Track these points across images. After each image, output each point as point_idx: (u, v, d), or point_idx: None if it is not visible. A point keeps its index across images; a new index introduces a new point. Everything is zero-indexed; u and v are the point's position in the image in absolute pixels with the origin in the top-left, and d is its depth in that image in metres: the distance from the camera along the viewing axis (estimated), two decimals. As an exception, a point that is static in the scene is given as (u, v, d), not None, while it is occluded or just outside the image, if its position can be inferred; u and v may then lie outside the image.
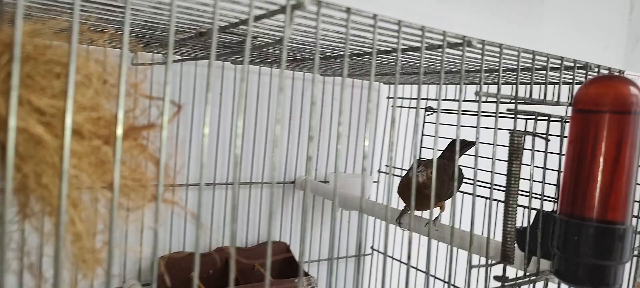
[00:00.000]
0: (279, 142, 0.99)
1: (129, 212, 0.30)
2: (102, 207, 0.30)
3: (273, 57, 0.74)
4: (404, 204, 0.77)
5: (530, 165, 0.49)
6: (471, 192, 0.47)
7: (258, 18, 0.37)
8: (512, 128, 0.49)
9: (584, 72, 0.55)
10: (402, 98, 1.07)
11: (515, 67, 0.58)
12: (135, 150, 0.29)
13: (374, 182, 1.12)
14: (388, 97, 1.11)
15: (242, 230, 0.97)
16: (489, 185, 0.48)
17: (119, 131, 0.26)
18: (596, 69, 0.55)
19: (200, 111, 0.89)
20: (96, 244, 0.30)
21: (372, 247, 1.14)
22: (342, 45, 0.53)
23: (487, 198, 0.81)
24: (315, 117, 0.93)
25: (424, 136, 1.01)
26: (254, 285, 0.84)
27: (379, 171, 1.12)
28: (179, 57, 0.78)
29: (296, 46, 0.61)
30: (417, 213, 0.78)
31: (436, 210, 0.75)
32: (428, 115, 1.00)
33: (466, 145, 0.79)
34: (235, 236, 0.35)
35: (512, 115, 0.49)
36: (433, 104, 1.00)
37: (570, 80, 0.54)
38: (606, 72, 0.56)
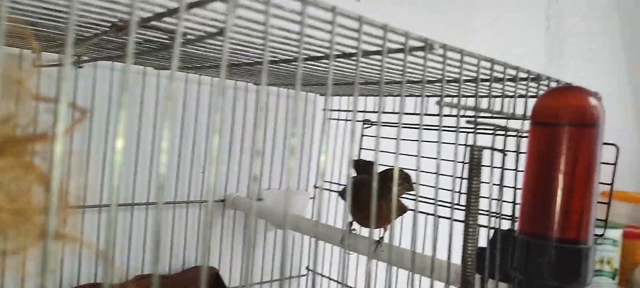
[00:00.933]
0: (215, 156, 0.90)
1: (6, 255, 0.22)
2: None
3: (203, 60, 0.67)
4: (349, 221, 0.72)
5: (488, 182, 0.46)
6: (414, 209, 0.43)
7: (191, 6, 0.30)
8: (469, 142, 0.45)
9: (536, 84, 0.53)
10: (339, 110, 1.03)
11: (467, 77, 0.55)
12: (17, 171, 0.21)
13: (311, 198, 1.06)
14: (324, 109, 1.06)
15: (164, 255, 0.87)
16: (433, 201, 0.44)
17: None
18: (546, 81, 0.54)
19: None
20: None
21: (307, 268, 1.08)
22: (287, 47, 0.47)
23: (430, 215, 0.79)
24: (259, 130, 0.86)
25: (361, 150, 0.97)
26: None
27: (315, 186, 1.07)
28: (88, 58, 0.68)
29: (233, 46, 0.54)
30: (359, 230, 0.74)
31: (380, 230, 0.71)
32: (366, 127, 0.96)
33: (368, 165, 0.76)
34: (157, 263, 0.27)
35: (466, 128, 0.45)
36: (372, 117, 0.96)
37: (524, 92, 0.52)
38: (555, 84, 0.55)
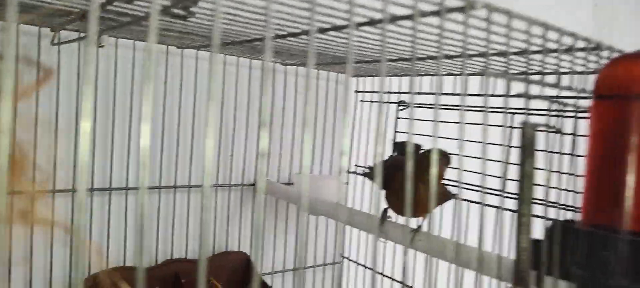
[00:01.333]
0: (232, 138, 0.88)
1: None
2: None
3: (234, 37, 0.63)
4: (384, 207, 0.67)
5: (543, 168, 0.40)
6: (477, 200, 0.38)
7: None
8: (516, 123, 0.39)
9: (595, 55, 0.46)
10: (372, 91, 0.98)
11: (518, 49, 0.49)
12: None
13: (345, 183, 1.02)
14: (356, 91, 1.01)
15: (194, 240, 0.85)
16: (489, 191, 0.38)
17: None
18: (607, 52, 0.47)
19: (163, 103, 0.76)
20: None
21: (342, 255, 1.04)
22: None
23: (476, 203, 0.72)
24: (268, 104, 0.82)
25: (397, 133, 0.92)
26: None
27: (349, 171, 1.02)
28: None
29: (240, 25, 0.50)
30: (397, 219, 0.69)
31: (418, 219, 0.66)
32: (401, 109, 0.91)
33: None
34: (141, 253, 0.23)
35: (515, 109, 0.40)
36: (406, 98, 0.91)
37: (582, 65, 0.45)
38: (618, 54, 0.48)
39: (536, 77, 0.41)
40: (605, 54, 0.47)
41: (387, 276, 0.95)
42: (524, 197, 0.38)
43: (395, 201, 0.64)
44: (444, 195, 0.65)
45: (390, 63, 0.74)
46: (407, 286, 0.81)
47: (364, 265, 1.00)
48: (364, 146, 1.00)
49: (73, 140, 0.70)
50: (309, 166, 0.97)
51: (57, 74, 0.68)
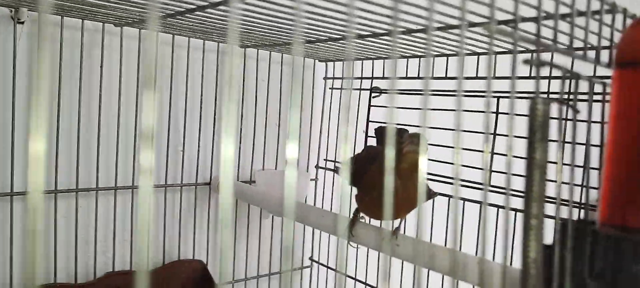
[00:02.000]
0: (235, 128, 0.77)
1: None
2: None
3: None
4: (356, 206, 0.58)
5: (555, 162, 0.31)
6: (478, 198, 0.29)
7: None
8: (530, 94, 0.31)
9: (611, 16, 0.38)
10: (342, 78, 0.89)
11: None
12: None
13: (312, 179, 0.93)
14: (325, 78, 0.91)
15: (139, 249, 0.73)
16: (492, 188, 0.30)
17: None
18: (622, 13, 0.39)
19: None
20: None
21: (311, 258, 0.95)
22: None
23: (473, 202, 0.64)
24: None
25: (370, 123, 0.83)
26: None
27: (317, 166, 0.93)
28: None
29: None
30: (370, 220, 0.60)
31: (396, 220, 0.57)
32: (374, 96, 0.82)
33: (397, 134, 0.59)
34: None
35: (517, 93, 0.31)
36: (382, 84, 0.82)
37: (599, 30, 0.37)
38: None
39: (548, 43, 0.33)
40: (619, 17, 0.39)
41: (360, 281, 0.86)
42: (533, 194, 0.29)
43: (368, 201, 0.54)
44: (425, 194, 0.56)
45: (361, 42, 0.65)
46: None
47: (334, 270, 0.91)
48: (334, 138, 0.91)
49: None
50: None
51: None
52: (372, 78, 0.83)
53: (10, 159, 0.61)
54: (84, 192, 0.68)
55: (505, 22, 0.43)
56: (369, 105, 0.82)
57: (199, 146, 0.78)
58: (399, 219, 0.57)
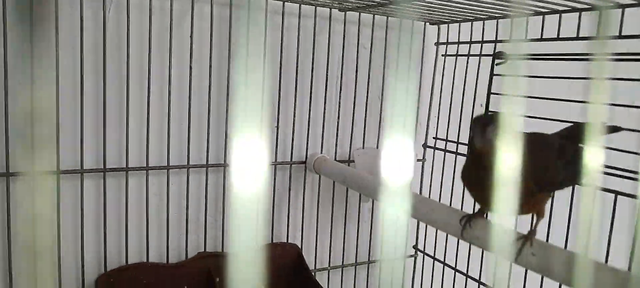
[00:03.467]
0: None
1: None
2: None
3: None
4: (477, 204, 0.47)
5: None
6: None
7: None
8: None
9: None
10: (458, 42, 0.75)
11: None
12: None
13: (418, 160, 0.82)
14: (437, 43, 0.79)
15: (232, 229, 0.70)
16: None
17: None
18: None
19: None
20: None
21: (415, 247, 0.85)
22: None
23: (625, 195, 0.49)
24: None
25: (492, 95, 0.69)
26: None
27: (425, 145, 0.82)
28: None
29: None
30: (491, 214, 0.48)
31: (532, 218, 0.45)
32: (499, 63, 0.68)
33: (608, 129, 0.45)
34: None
35: None
36: (507, 48, 0.68)
37: None
38: None
39: None
40: None
41: (474, 279, 0.74)
42: None
43: (478, 189, 0.43)
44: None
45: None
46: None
47: (442, 262, 0.80)
48: (446, 114, 0.78)
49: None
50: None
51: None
52: (496, 41, 0.69)
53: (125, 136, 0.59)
54: (175, 169, 0.64)
55: None
56: (492, 75, 0.68)
57: (294, 122, 0.71)
58: (535, 217, 0.45)
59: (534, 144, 0.42)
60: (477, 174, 0.43)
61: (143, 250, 0.64)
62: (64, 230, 0.60)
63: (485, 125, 0.41)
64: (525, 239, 0.42)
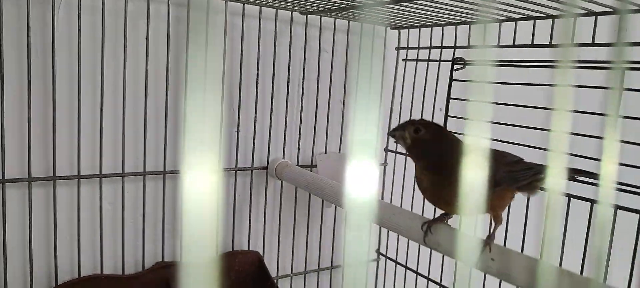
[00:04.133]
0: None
1: None
2: None
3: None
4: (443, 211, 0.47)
5: None
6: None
7: None
8: None
9: None
10: (418, 47, 0.76)
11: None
12: None
13: (381, 164, 0.82)
14: (398, 48, 0.80)
15: (190, 238, 0.67)
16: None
17: None
18: None
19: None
20: None
21: (378, 251, 0.85)
22: None
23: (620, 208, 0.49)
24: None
25: (451, 100, 0.70)
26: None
27: (386, 149, 0.82)
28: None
29: None
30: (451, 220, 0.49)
31: (490, 222, 0.45)
32: (457, 69, 0.69)
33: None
34: None
35: None
36: (466, 53, 0.69)
37: None
38: None
39: None
40: None
41: (435, 281, 0.75)
42: None
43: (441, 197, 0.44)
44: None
45: (442, 2, 0.53)
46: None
47: (404, 266, 0.81)
48: (406, 117, 0.79)
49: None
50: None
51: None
52: (455, 47, 0.71)
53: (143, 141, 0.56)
54: (131, 176, 0.62)
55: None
56: (451, 80, 0.70)
57: (255, 127, 0.70)
58: (492, 224, 0.45)
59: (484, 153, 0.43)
60: (430, 181, 0.43)
61: (97, 262, 0.61)
62: (11, 242, 0.56)
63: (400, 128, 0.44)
64: (484, 244, 0.42)
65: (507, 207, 0.48)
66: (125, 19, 0.58)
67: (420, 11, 0.60)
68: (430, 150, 0.44)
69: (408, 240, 0.78)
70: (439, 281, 0.75)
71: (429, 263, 0.76)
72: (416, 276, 0.79)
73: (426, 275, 0.76)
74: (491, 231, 0.44)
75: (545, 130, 0.49)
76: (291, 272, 0.77)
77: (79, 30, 0.56)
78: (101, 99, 0.58)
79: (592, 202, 0.53)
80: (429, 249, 0.72)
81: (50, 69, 0.55)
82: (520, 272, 0.39)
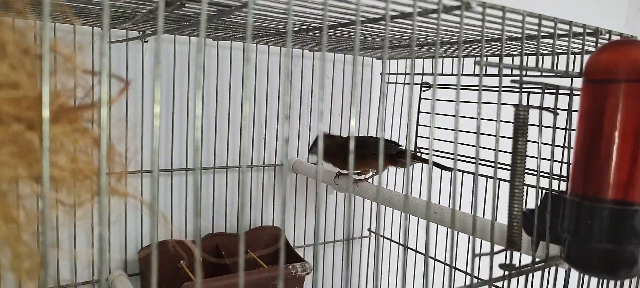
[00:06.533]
0: (263, 123, 0.95)
1: (74, 207, 0.26)
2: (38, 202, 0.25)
3: (261, 29, 0.69)
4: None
5: (537, 142, 0.44)
6: (473, 171, 0.43)
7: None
8: (517, 102, 0.44)
9: (594, 39, 0.50)
10: (397, 73, 1.02)
11: (519, 35, 0.53)
12: (75, 135, 0.24)
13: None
14: (381, 74, 1.05)
15: (232, 215, 0.93)
16: (492, 164, 0.43)
17: (46, 113, 0.21)
18: (607, 35, 0.50)
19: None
20: (35, 246, 0.25)
21: (369, 229, 1.10)
22: (321, 13, 0.48)
23: (489, 177, 0.77)
24: (287, 94, 0.88)
25: (420, 113, 0.96)
26: (248, 272, 0.80)
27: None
28: (150, 33, 0.73)
29: (268, 15, 0.56)
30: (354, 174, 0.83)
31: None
32: (424, 90, 0.95)
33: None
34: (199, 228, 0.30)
35: (516, 89, 0.44)
36: (430, 79, 0.95)
37: (580, 49, 0.49)
38: (618, 37, 0.51)
39: (534, 63, 0.46)
40: (604, 37, 0.50)
41: (420, 252, 1.00)
42: (516, 171, 0.43)
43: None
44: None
45: (415, 48, 0.79)
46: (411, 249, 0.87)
47: (390, 239, 1.06)
48: (389, 125, 1.05)
49: (140, 129, 0.79)
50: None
51: (110, 68, 0.76)
52: (423, 74, 0.96)
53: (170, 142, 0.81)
54: (207, 170, 0.87)
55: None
56: (420, 98, 0.95)
57: (277, 134, 0.95)
58: (364, 174, 0.81)
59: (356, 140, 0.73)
60: (333, 155, 0.79)
61: (168, 231, 0.86)
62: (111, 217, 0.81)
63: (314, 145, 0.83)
64: (354, 181, 0.77)
65: (379, 171, 0.75)
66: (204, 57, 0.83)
67: (396, 51, 0.86)
68: (332, 150, 0.80)
69: (392, 219, 1.03)
70: (415, 248, 1.00)
71: (416, 238, 1.01)
72: (399, 247, 1.04)
73: (414, 248, 1.02)
74: (364, 177, 0.78)
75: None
76: (304, 244, 1.02)
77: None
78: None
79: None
80: (414, 226, 0.98)
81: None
82: (367, 191, 0.67)
